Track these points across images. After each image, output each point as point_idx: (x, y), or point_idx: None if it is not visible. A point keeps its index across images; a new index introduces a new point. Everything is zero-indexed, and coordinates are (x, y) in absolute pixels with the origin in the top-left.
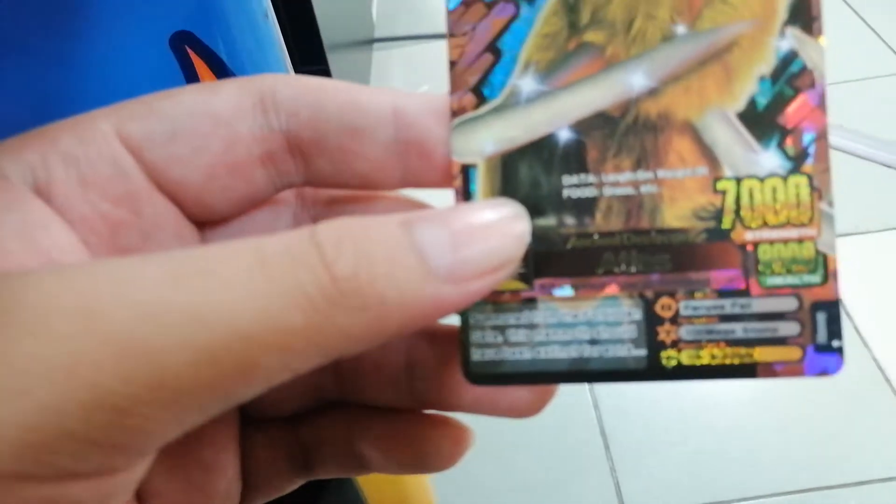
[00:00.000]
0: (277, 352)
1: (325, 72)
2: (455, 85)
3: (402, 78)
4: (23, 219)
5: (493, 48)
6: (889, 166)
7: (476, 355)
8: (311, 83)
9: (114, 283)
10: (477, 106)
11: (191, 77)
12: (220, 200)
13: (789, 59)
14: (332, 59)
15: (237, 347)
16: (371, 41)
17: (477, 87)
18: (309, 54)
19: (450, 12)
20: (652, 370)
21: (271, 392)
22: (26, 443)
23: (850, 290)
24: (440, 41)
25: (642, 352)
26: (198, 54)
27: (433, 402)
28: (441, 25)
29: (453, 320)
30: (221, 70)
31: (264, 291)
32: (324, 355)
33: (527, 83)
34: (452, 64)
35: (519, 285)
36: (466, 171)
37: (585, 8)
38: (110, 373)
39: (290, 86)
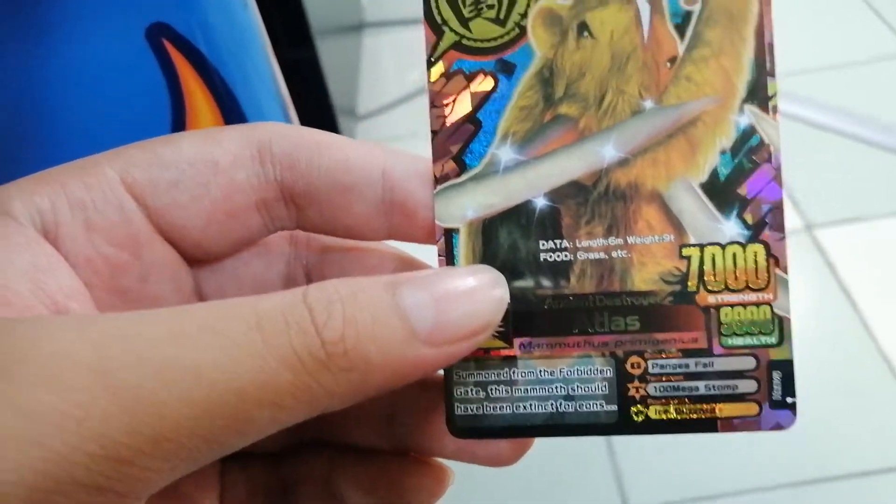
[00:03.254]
0: (269, 408)
1: (312, 58)
2: (437, 153)
3: (393, 63)
4: (32, 262)
5: (473, 119)
6: (894, 151)
7: (459, 410)
8: (307, 137)
9: (123, 339)
10: (458, 174)
11: (168, 71)
12: (216, 243)
13: (748, 134)
14: (321, 45)
15: (233, 403)
16: (361, 25)
17: (458, 156)
18: (296, 40)
19: (431, 84)
20: (622, 424)
21: None
22: (38, 488)
23: (855, 278)
24: None
25: (613, 407)
26: (175, 47)
27: (415, 447)
28: None
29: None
30: (201, 63)
31: (259, 352)
32: (310, 411)
33: (505, 153)
34: (434, 133)
35: (499, 344)
36: (449, 234)
37: (560, 82)
38: (117, 426)
39: (287, 138)
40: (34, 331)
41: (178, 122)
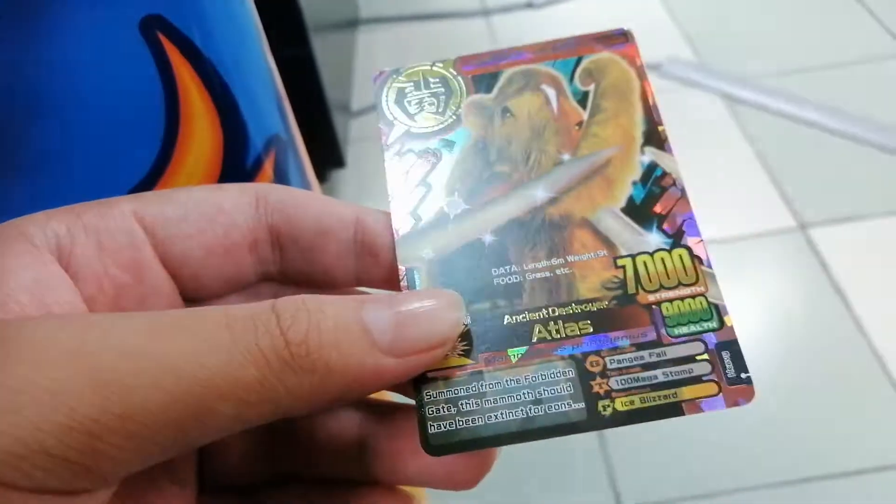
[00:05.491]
0: (233, 402)
1: (307, 55)
2: (396, 211)
3: (388, 60)
4: (35, 277)
5: (425, 183)
6: (888, 150)
7: (433, 428)
8: (299, 194)
9: (102, 330)
10: (415, 226)
11: (163, 65)
12: (211, 278)
13: (652, 167)
14: (315, 41)
15: (198, 393)
16: (356, 22)
17: (414, 211)
18: (290, 36)
19: (386, 163)
20: (592, 420)
21: (229, 460)
22: (12, 453)
23: (849, 277)
24: (427, 22)
25: (581, 404)
26: (170, 40)
27: (381, 475)
28: (428, 6)
29: (402, 398)
30: (196, 57)
31: (227, 348)
32: (274, 410)
33: (453, 205)
34: (393, 196)
35: (465, 361)
36: (411, 272)
37: (492, 149)
38: (88, 401)
39: (279, 192)
40: (24, 323)
41: (172, 116)
